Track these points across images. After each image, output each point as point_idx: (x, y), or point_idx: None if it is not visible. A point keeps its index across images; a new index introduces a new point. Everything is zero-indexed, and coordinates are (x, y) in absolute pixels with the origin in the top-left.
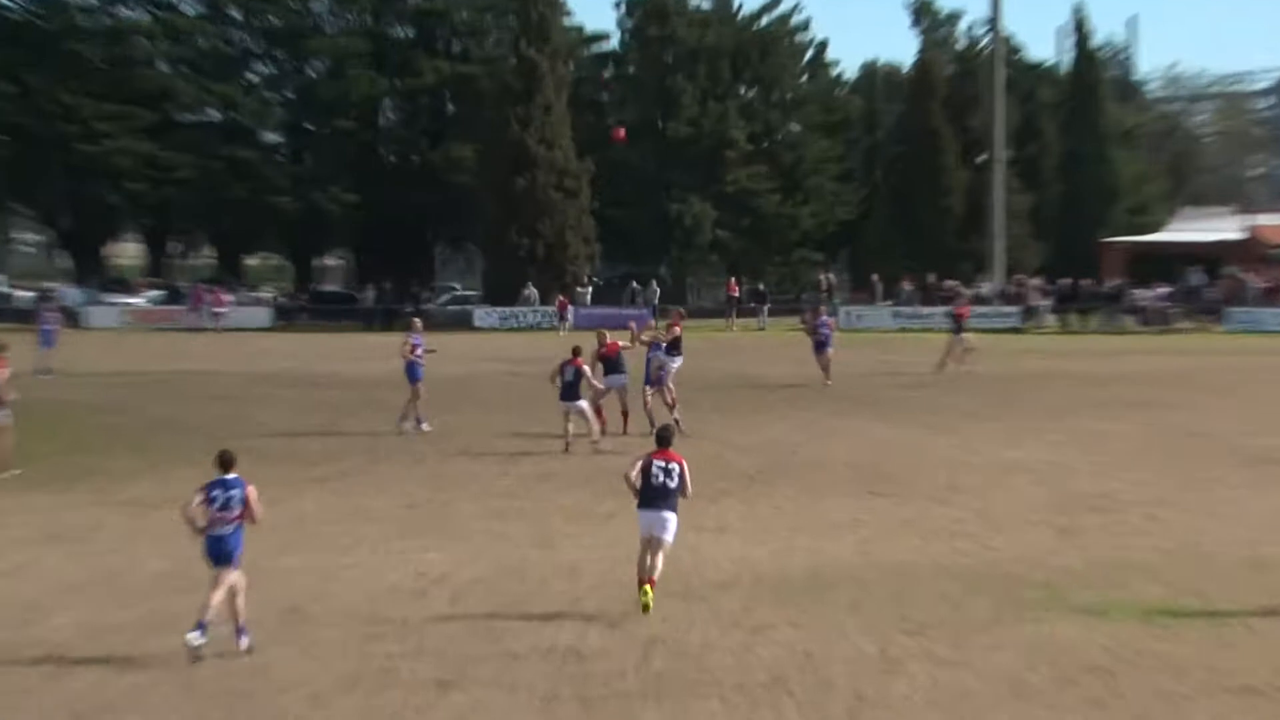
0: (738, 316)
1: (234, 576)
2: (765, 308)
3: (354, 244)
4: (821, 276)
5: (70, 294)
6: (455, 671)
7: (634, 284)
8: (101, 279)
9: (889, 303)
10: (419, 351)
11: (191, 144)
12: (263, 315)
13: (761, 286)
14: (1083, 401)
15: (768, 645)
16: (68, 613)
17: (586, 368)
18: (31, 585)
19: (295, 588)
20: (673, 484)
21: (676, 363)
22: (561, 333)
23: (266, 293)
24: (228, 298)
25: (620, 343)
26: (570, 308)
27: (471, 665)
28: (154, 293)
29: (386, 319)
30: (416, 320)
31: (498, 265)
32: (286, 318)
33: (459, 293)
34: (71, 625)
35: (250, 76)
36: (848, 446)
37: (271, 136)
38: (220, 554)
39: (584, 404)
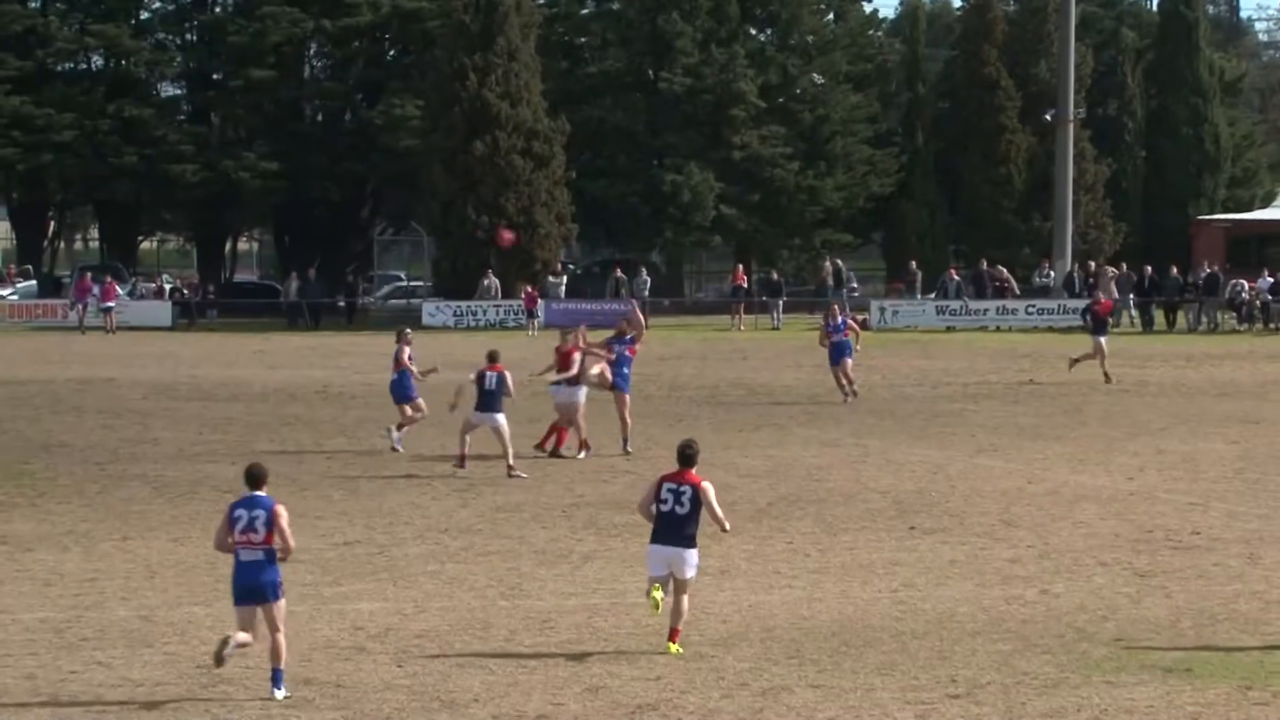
0: (746, 313)
1: (278, 611)
2: (780, 302)
3: (273, 223)
4: (827, 263)
5: None
6: None
7: (619, 273)
8: None
9: (932, 296)
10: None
11: (70, 99)
12: (162, 311)
13: (775, 276)
14: (1167, 417)
15: (782, 712)
16: None
17: (509, 375)
18: None
19: (206, 644)
20: (684, 510)
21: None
22: (531, 333)
23: (166, 283)
24: (119, 290)
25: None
26: (540, 302)
27: None
28: (26, 283)
29: (314, 315)
30: (408, 330)
31: (450, 250)
32: (191, 314)
33: (403, 284)
34: None
35: (143, 15)
36: (882, 472)
37: (170, 90)
38: (253, 588)
39: (502, 419)
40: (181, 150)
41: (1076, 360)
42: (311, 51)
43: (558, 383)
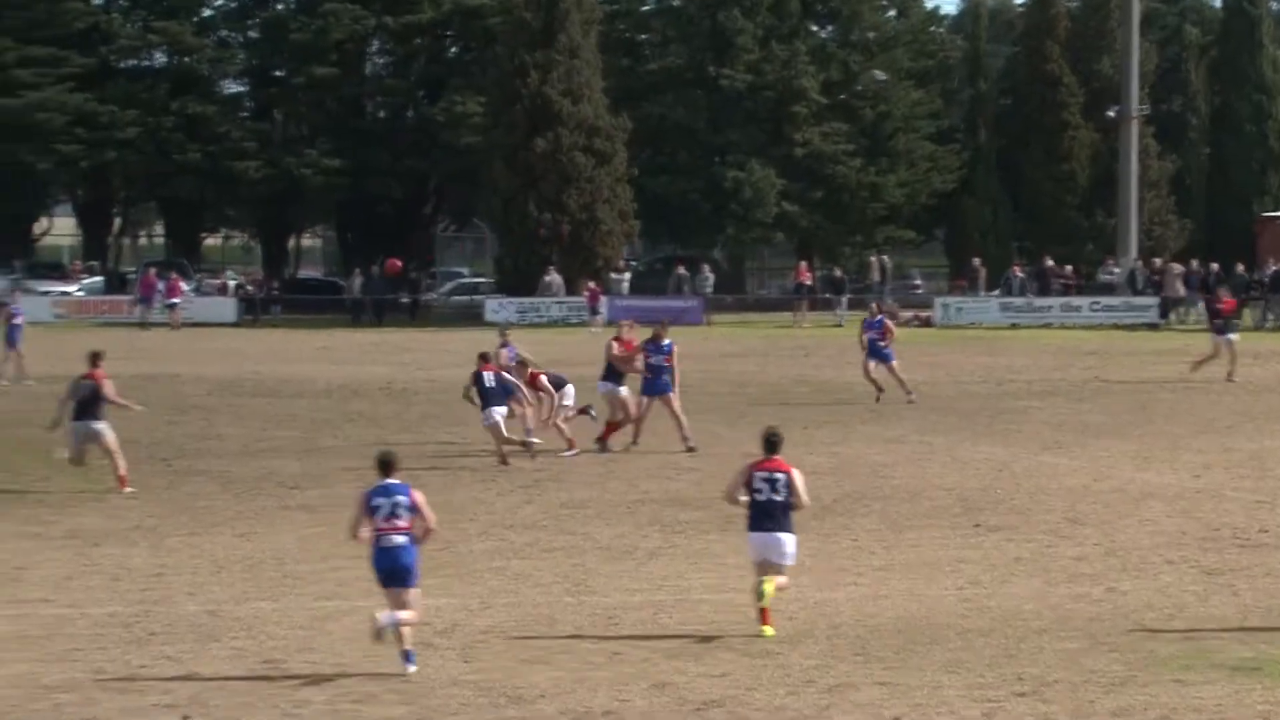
0: (809, 309)
1: (414, 595)
2: (844, 298)
3: (336, 220)
4: (873, 259)
5: None
6: None
7: (681, 269)
8: (27, 263)
9: (995, 292)
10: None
11: (134, 97)
12: (227, 307)
13: (838, 272)
14: (1233, 414)
15: (848, 709)
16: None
17: (505, 373)
18: None
19: (273, 639)
20: (780, 497)
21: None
22: (594, 329)
23: (231, 279)
24: (184, 286)
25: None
26: (603, 298)
27: None
28: (92, 279)
29: (377, 312)
30: (506, 331)
31: (513, 247)
32: (255, 310)
33: (466, 280)
34: (4, 682)
35: (205, 12)
36: (947, 469)
37: (233, 87)
38: (395, 570)
39: (499, 415)
40: (244, 147)
41: (1199, 363)
42: (373, 48)
43: (605, 379)
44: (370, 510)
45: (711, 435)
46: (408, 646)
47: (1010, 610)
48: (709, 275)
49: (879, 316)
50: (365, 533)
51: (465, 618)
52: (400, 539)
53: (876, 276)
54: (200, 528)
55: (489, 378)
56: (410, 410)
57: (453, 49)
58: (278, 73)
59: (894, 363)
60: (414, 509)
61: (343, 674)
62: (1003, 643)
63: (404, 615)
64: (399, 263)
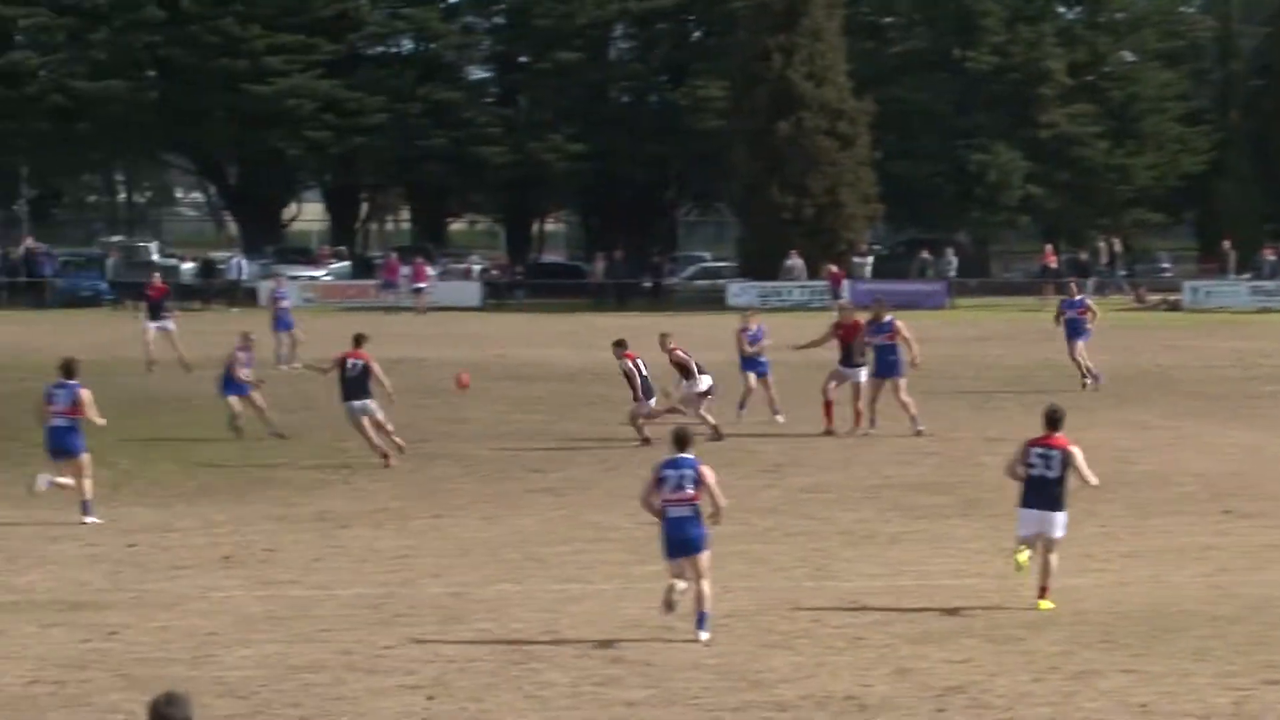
0: (1055, 293)
1: (705, 561)
2: (1090, 282)
3: (579, 205)
4: (1102, 243)
5: (238, 265)
6: None
7: (925, 253)
8: (277, 248)
9: (1246, 276)
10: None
11: (381, 83)
12: (471, 291)
13: (1085, 256)
14: None
15: (1093, 696)
16: (248, 648)
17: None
18: (206, 616)
19: (515, 621)
20: (1053, 474)
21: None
22: (833, 313)
23: (475, 264)
24: (429, 270)
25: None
26: (846, 282)
27: (729, 717)
28: (340, 264)
29: (619, 296)
30: (751, 310)
31: (755, 230)
32: (499, 294)
33: (708, 264)
34: (253, 662)
35: None
36: (1196, 455)
37: (478, 73)
38: (681, 540)
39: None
40: (489, 133)
41: None
42: (617, 33)
43: (744, 366)
44: (659, 482)
45: (953, 420)
46: (706, 609)
47: (1261, 598)
48: (953, 259)
49: (1079, 297)
50: (656, 502)
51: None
52: (686, 510)
53: (1105, 259)
54: (445, 510)
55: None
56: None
57: (696, 33)
58: (522, 58)
59: (1081, 342)
60: (700, 482)
61: (585, 656)
62: (1253, 630)
63: (680, 585)
64: (467, 381)
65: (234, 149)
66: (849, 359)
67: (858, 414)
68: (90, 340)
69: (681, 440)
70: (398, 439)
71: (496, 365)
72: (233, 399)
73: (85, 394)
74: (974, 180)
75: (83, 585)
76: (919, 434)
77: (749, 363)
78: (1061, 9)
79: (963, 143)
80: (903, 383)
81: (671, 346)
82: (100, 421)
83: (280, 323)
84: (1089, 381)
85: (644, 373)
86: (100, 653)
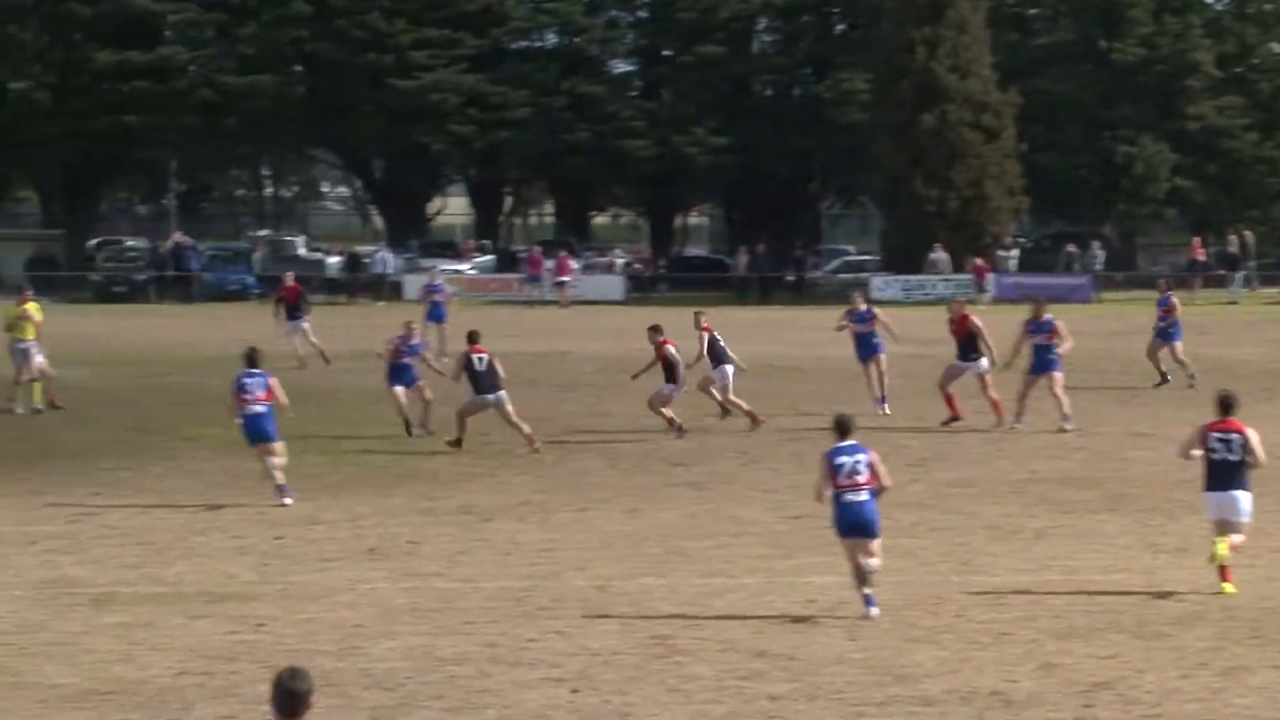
0: (1203, 286)
1: (877, 545)
2: (1239, 275)
3: (722, 198)
4: (1231, 235)
5: (383, 259)
6: (852, 717)
7: (1071, 246)
8: (421, 241)
9: None
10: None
11: (525, 77)
12: (615, 285)
13: (1233, 249)
14: None
15: (1242, 692)
16: (394, 640)
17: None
18: (352, 608)
19: (658, 614)
20: (1235, 457)
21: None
22: (981, 306)
23: (618, 257)
24: (573, 264)
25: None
26: (991, 275)
27: (873, 711)
28: (483, 258)
29: (762, 289)
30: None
31: (899, 224)
32: (643, 288)
33: (851, 258)
34: (399, 654)
35: None
36: None
37: (622, 66)
38: (859, 523)
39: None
40: (633, 126)
41: None
42: (760, 26)
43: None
44: (833, 470)
45: (1099, 414)
46: (868, 591)
47: None
48: (1099, 252)
49: (1167, 294)
50: (827, 492)
51: (851, 595)
52: (862, 495)
53: (1236, 251)
54: (588, 504)
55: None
56: (795, 388)
57: (840, 26)
58: (666, 52)
59: (1177, 343)
60: (871, 467)
61: (729, 650)
62: None
63: (874, 563)
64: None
65: (379, 143)
66: (963, 353)
67: (993, 404)
68: (237, 335)
69: (845, 428)
70: (526, 429)
71: (639, 359)
72: (398, 390)
73: (275, 381)
74: (1120, 173)
75: (230, 577)
76: (1064, 430)
77: (862, 345)
78: (1209, 0)
79: (1109, 135)
80: (1059, 377)
81: (704, 325)
82: (287, 407)
83: (433, 315)
84: (1191, 380)
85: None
86: (248, 644)
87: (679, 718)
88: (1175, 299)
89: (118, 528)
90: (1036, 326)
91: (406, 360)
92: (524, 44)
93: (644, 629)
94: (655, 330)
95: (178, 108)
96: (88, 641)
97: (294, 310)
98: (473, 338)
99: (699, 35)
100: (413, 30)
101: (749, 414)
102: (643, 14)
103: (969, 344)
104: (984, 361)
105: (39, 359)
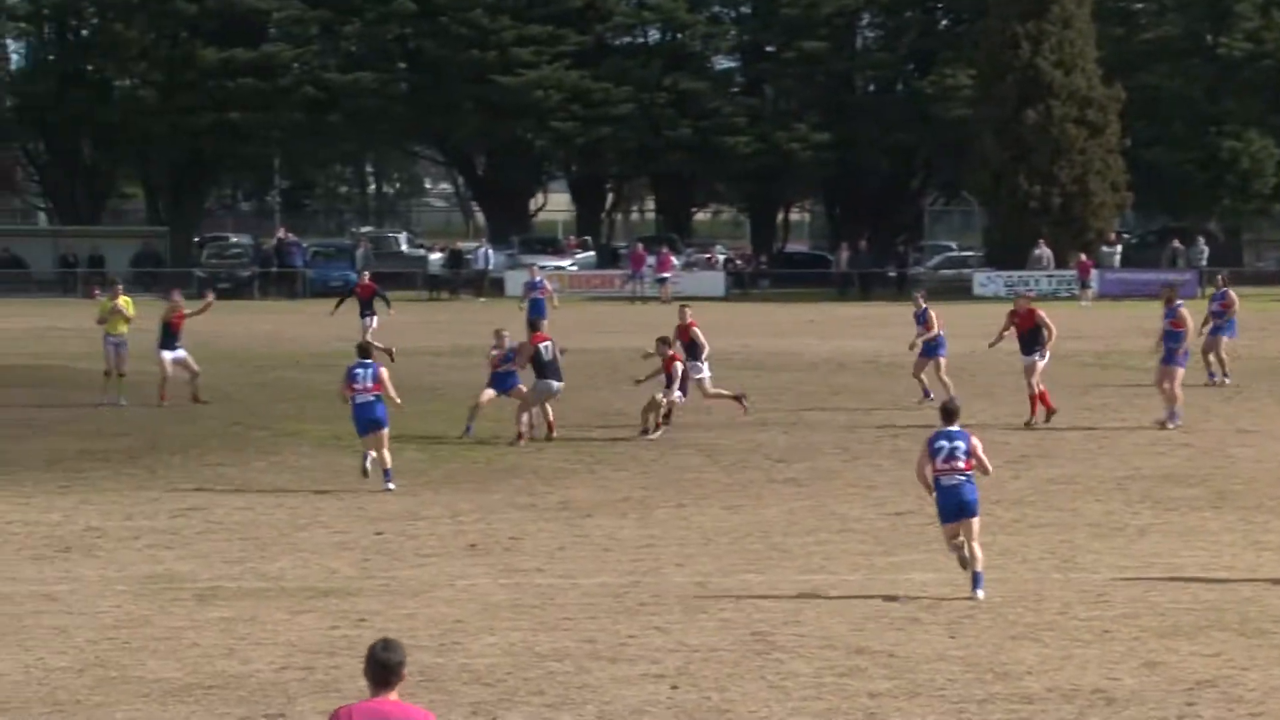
0: None
1: (977, 525)
2: None
3: (824, 194)
4: None
5: (485, 255)
6: (953, 714)
7: (1175, 242)
8: (522, 238)
9: None
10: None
11: (627, 73)
12: (716, 281)
13: None
14: None
15: None
16: (494, 636)
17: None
18: (452, 603)
19: (760, 611)
20: None
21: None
22: (1084, 303)
23: (720, 253)
24: (674, 260)
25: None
26: (1094, 272)
27: (974, 709)
28: (585, 254)
29: (863, 285)
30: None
31: (1002, 219)
32: (744, 284)
33: (954, 254)
34: (499, 650)
35: None
36: None
37: (724, 62)
38: (961, 504)
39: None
40: (734, 122)
41: None
42: (864, 22)
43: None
44: (933, 453)
45: (1203, 411)
46: (979, 569)
47: None
48: (1204, 248)
49: (1224, 289)
50: (929, 473)
51: (952, 593)
52: (959, 478)
53: None
54: (688, 500)
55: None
56: (897, 384)
57: (943, 21)
58: (769, 48)
59: (1227, 339)
60: (970, 453)
61: (829, 646)
62: None
63: (975, 546)
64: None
65: (481, 140)
66: (1026, 347)
67: (1038, 397)
68: (340, 331)
69: (951, 413)
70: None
71: (740, 355)
72: (489, 392)
73: (384, 372)
74: (1225, 168)
75: (332, 572)
76: (1164, 426)
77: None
78: None
79: (1214, 130)
80: (1180, 373)
81: (689, 322)
82: (396, 398)
83: (534, 311)
84: (1219, 380)
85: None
86: (349, 640)
87: (778, 714)
88: (1233, 294)
89: (222, 523)
90: (1171, 313)
91: (507, 369)
92: (626, 40)
93: (743, 625)
94: (664, 343)
95: (282, 105)
96: (191, 636)
97: (366, 306)
98: (535, 326)
99: (802, 31)
100: (516, 27)
101: (660, 423)
102: (745, 10)
103: (1033, 337)
104: (1039, 357)
105: (173, 355)
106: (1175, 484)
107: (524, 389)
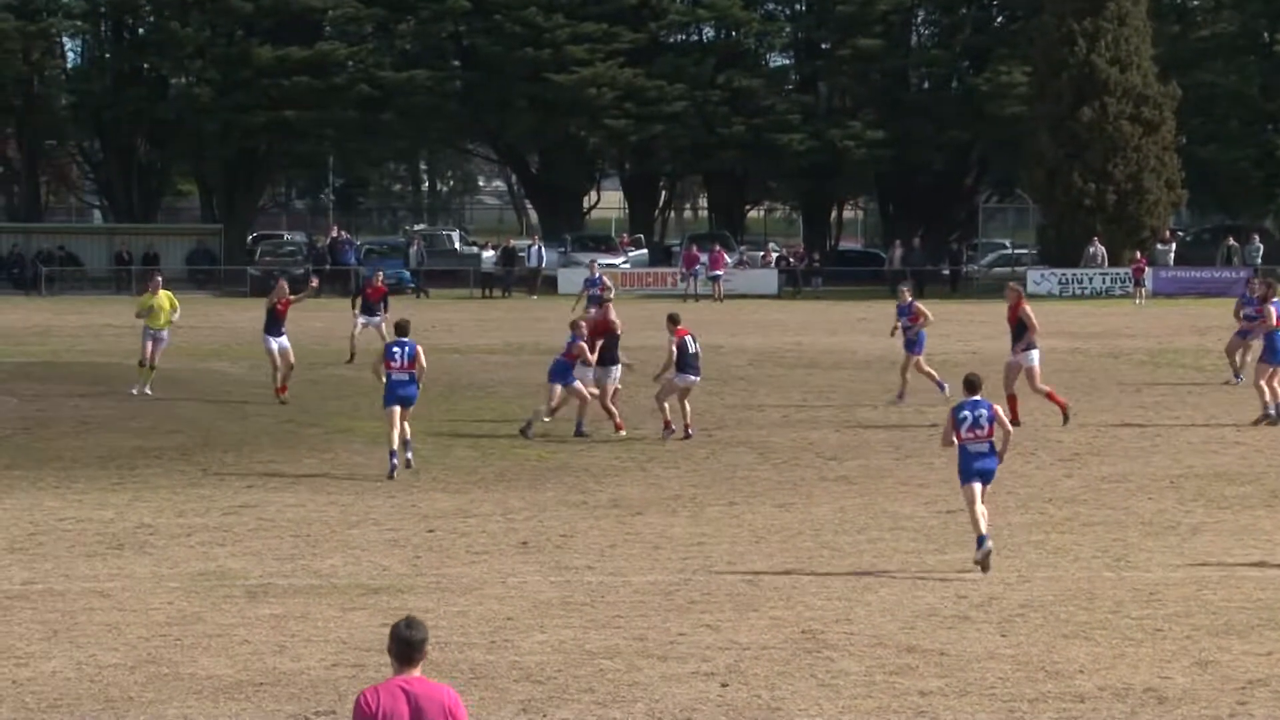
0: None
1: (988, 489)
2: None
3: (878, 191)
4: None
5: (538, 253)
6: (1004, 713)
7: (1230, 240)
8: (575, 235)
9: None
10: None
11: (681, 71)
12: (769, 279)
13: None
14: None
15: None
16: (544, 633)
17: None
18: (503, 601)
19: (810, 609)
20: None
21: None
22: (1138, 302)
23: (773, 251)
24: (727, 258)
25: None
26: (1148, 271)
27: (1025, 708)
28: (637, 252)
29: (917, 283)
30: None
31: (1056, 217)
32: (797, 282)
33: (1007, 252)
34: (549, 647)
35: None
36: None
37: (778, 60)
38: (981, 471)
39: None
40: (788, 120)
41: None
42: (919, 19)
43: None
44: (957, 423)
45: (1257, 409)
46: (984, 530)
47: None
48: (1259, 245)
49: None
50: (953, 442)
51: (1003, 591)
52: (983, 446)
53: None
54: (739, 498)
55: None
56: (948, 382)
57: (998, 18)
58: (823, 45)
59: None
60: (994, 420)
61: (879, 645)
62: None
63: (979, 510)
64: None
65: (535, 138)
66: (1014, 340)
67: (1049, 396)
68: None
69: (973, 385)
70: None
71: (793, 353)
72: (557, 387)
73: (420, 350)
74: None
75: (383, 570)
76: (1270, 420)
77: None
78: None
79: (1270, 127)
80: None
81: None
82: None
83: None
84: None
85: (692, 349)
86: None
87: (828, 713)
88: None
89: (273, 520)
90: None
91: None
92: (680, 38)
93: (794, 623)
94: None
95: (336, 103)
96: (242, 633)
97: (370, 307)
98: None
99: (857, 28)
100: (570, 24)
101: (618, 423)
102: (800, 7)
103: (1020, 330)
104: (1034, 354)
105: (278, 343)
106: (1228, 482)
107: (579, 386)
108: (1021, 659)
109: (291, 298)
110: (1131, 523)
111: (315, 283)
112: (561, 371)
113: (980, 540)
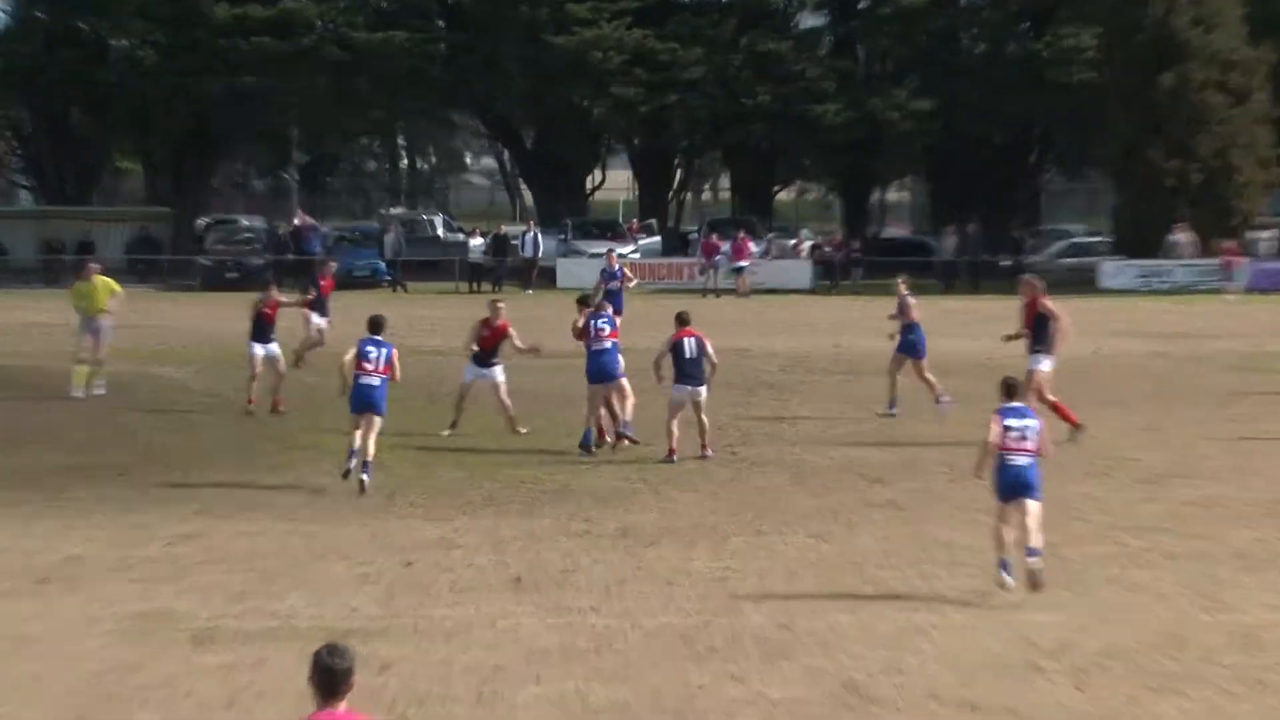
0: None
1: (1036, 507)
2: None
3: (926, 171)
4: None
5: (533, 241)
6: None
7: None
8: (576, 221)
9: None
10: None
11: (698, 33)
12: (801, 271)
13: None
14: None
15: None
16: (540, 686)
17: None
18: (492, 648)
19: (852, 657)
20: None
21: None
22: (1229, 297)
23: (806, 239)
24: (753, 247)
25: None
26: (1240, 262)
27: None
28: (649, 240)
29: (973, 276)
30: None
31: (1133, 200)
32: (834, 275)
33: (1078, 240)
34: (547, 701)
35: None
36: None
37: (810, 20)
38: (1024, 485)
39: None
40: (822, 88)
41: None
42: None
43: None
44: (1004, 430)
45: None
46: (1034, 544)
47: None
48: None
49: None
50: (993, 450)
51: (1077, 636)
52: (1025, 459)
53: None
54: (769, 526)
55: (690, 345)
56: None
57: None
58: (861, 4)
59: None
60: (1039, 434)
61: (934, 699)
62: None
63: (1035, 529)
64: None
65: (531, 108)
66: (1034, 341)
67: (1055, 408)
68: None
69: (1012, 389)
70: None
71: (829, 356)
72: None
73: (396, 354)
74: None
75: (351, 611)
76: None
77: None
78: None
79: None
80: None
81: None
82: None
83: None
84: None
85: (689, 354)
86: (371, 690)
87: None
88: None
89: (224, 551)
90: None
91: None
92: None
93: (833, 674)
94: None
95: (302, 68)
96: (187, 684)
97: (322, 305)
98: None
99: None
100: None
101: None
102: None
103: (1040, 330)
104: (1044, 359)
105: (265, 350)
106: None
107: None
108: (1102, 716)
109: (282, 299)
110: (1224, 555)
111: (312, 296)
112: (609, 366)
113: (1002, 564)
